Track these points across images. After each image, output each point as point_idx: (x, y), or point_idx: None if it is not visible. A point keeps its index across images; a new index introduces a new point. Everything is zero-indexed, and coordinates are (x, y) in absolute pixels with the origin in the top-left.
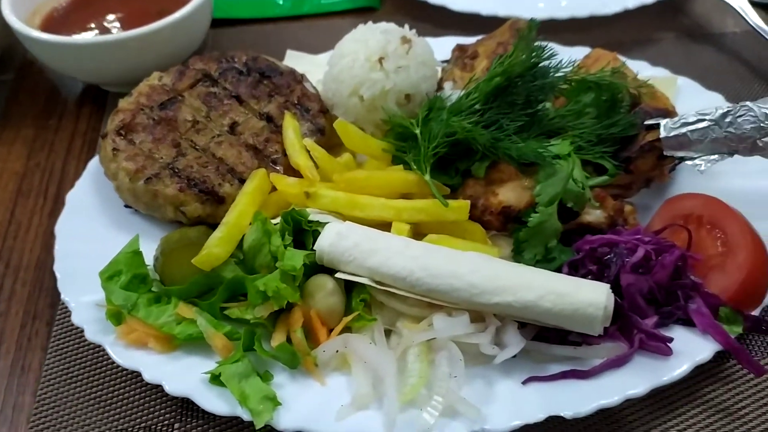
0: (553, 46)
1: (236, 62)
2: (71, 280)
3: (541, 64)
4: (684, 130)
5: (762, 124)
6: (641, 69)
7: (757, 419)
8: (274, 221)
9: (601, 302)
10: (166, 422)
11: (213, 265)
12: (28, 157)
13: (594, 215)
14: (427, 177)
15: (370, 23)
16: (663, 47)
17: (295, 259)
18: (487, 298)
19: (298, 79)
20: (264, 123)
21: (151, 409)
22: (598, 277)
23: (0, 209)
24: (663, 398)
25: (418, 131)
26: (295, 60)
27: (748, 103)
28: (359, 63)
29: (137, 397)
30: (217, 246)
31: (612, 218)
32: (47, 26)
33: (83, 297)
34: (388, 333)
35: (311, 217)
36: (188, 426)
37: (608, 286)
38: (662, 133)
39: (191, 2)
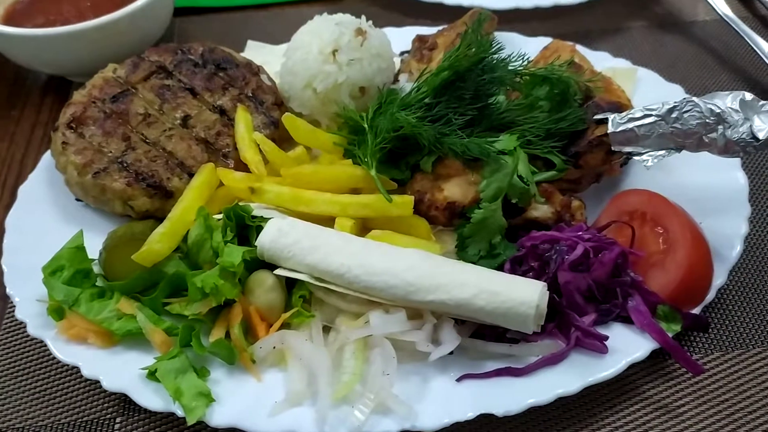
0: (514, 37)
1: (192, 54)
2: (17, 274)
3: (489, 58)
4: (631, 125)
5: (707, 120)
6: (602, 60)
7: (696, 417)
8: (219, 216)
9: (533, 301)
10: (109, 416)
11: (154, 261)
12: None
13: (540, 211)
14: (373, 172)
15: (325, 14)
16: (631, 36)
17: (234, 255)
18: (422, 295)
19: (255, 71)
20: (217, 116)
21: (94, 404)
22: (539, 273)
23: None
24: (602, 395)
25: (366, 125)
26: (255, 50)
27: (693, 98)
28: (312, 55)
29: (80, 391)
30: (158, 242)
31: (559, 214)
32: (9, 18)
33: (28, 291)
34: (328, 329)
35: (255, 213)
36: (130, 420)
37: (543, 284)
38: (610, 128)
39: None
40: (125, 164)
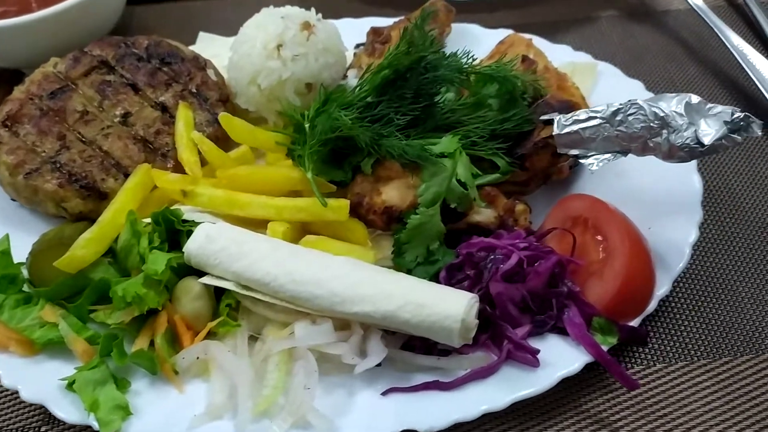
0: (473, 29)
1: (137, 48)
2: None
3: (432, 56)
4: (576, 127)
5: (651, 124)
6: (563, 54)
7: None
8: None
9: (458, 315)
10: (34, 425)
11: (78, 268)
12: None
13: (483, 215)
14: (309, 174)
15: (272, 7)
16: (600, 26)
17: (158, 262)
18: (347, 306)
19: (201, 65)
20: (158, 113)
21: (19, 412)
22: (475, 282)
23: None
24: (537, 407)
25: (306, 124)
26: (206, 43)
27: (638, 101)
28: (256, 50)
29: (5, 399)
30: (82, 248)
31: (502, 218)
32: None
33: None
34: (256, 339)
35: (186, 217)
36: (55, 430)
37: (471, 296)
38: (555, 130)
39: None
40: (58, 164)
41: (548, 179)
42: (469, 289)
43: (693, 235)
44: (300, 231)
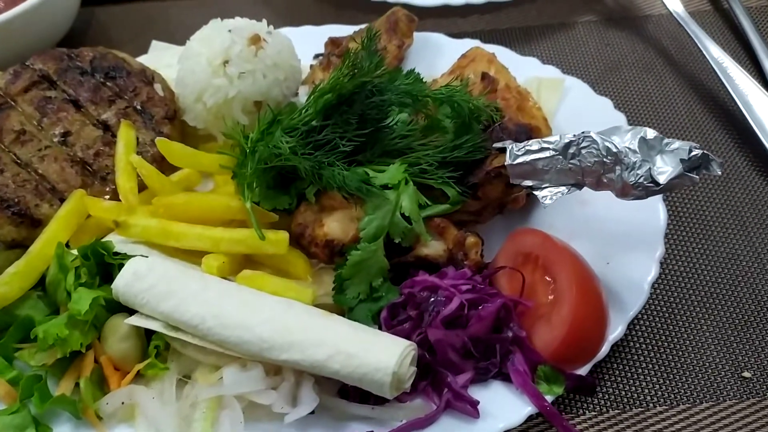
0: (439, 38)
1: (80, 61)
2: None
3: (377, 80)
4: (528, 158)
5: (605, 159)
6: (529, 68)
7: None
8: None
9: (388, 368)
10: None
11: (2, 305)
12: None
13: (431, 248)
14: (248, 204)
15: (219, 20)
16: (575, 33)
17: (83, 302)
18: (276, 353)
19: (148, 79)
20: (100, 132)
21: None
22: (416, 323)
23: None
24: None
25: (248, 149)
26: (159, 52)
27: (591, 134)
28: (201, 67)
29: None
30: (6, 284)
31: (451, 252)
32: None
33: None
34: (186, 380)
35: (119, 248)
36: None
37: (405, 346)
38: (507, 160)
39: None
40: None
41: (503, 209)
42: (410, 331)
43: (652, 273)
44: (241, 261)
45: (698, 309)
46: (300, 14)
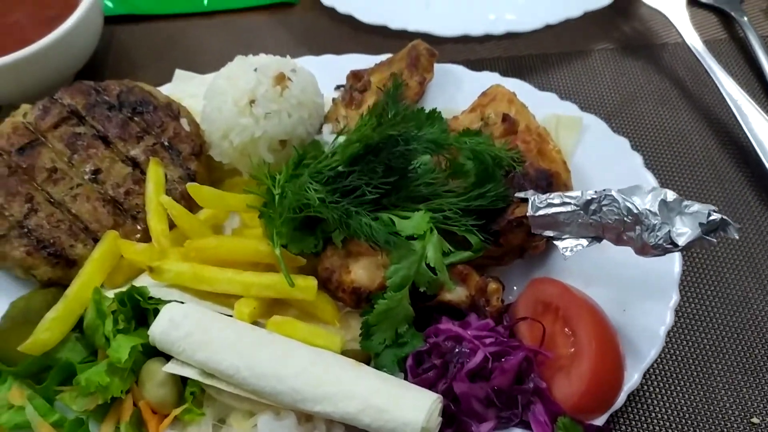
0: (459, 71)
1: (108, 95)
2: None
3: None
4: (550, 210)
5: (626, 219)
6: (547, 104)
7: None
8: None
9: (417, 423)
10: None
11: (43, 350)
12: None
13: (455, 294)
14: (277, 251)
15: (251, 57)
16: (592, 61)
17: (122, 350)
18: (309, 405)
19: (174, 114)
20: (129, 170)
21: None
22: (441, 372)
23: None
24: None
25: (276, 193)
26: (183, 82)
27: (613, 192)
28: (228, 106)
29: None
30: (46, 330)
31: (473, 298)
32: None
33: None
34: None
35: (153, 293)
36: None
37: (433, 399)
38: (529, 211)
39: (72, 18)
40: (26, 229)
41: (523, 253)
42: (435, 380)
43: (668, 322)
44: (270, 301)
45: (709, 353)
46: (318, 36)
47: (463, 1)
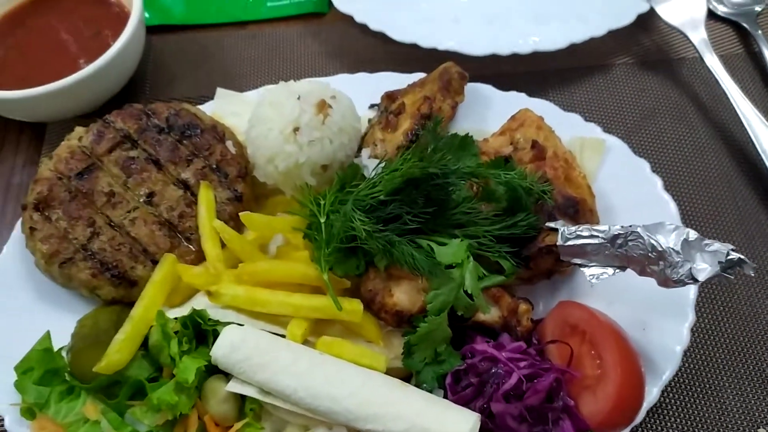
0: (488, 90)
1: (157, 118)
2: None
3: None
4: (579, 242)
5: (650, 254)
6: (573, 125)
7: None
8: (180, 310)
9: None
10: None
11: (116, 369)
12: None
13: (489, 315)
14: (325, 276)
15: (291, 82)
16: (614, 76)
17: (189, 371)
18: (360, 423)
19: (220, 136)
20: (181, 192)
21: None
22: (478, 389)
23: None
24: None
25: (322, 221)
26: (224, 100)
27: (638, 229)
28: (273, 134)
29: None
30: (117, 351)
31: (506, 319)
32: None
33: (7, 381)
34: None
35: (212, 315)
36: None
37: (474, 419)
38: (558, 241)
39: (121, 38)
40: (90, 253)
41: (551, 275)
42: (472, 397)
43: (685, 341)
44: (317, 321)
45: (720, 366)
46: (349, 45)
47: (490, 18)
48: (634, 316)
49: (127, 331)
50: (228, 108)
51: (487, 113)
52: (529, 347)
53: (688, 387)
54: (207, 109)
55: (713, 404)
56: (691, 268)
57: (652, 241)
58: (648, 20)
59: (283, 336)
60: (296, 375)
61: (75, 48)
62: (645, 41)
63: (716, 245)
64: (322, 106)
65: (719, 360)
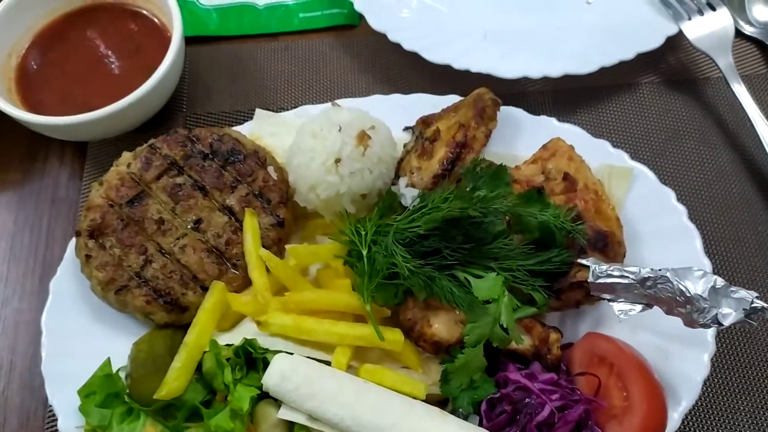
0: (519, 114)
1: (202, 144)
2: (58, 383)
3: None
4: (609, 280)
5: (678, 298)
6: (601, 152)
7: None
8: (230, 336)
9: None
10: None
11: (174, 396)
12: (17, 206)
13: (521, 344)
14: (368, 308)
15: (330, 111)
16: (640, 95)
17: (243, 401)
18: None
19: (261, 161)
20: (226, 219)
21: None
22: (511, 416)
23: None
24: None
25: (364, 252)
26: (263, 121)
27: (668, 273)
28: (316, 164)
29: None
30: (175, 380)
31: (537, 348)
32: (24, 66)
33: (68, 402)
34: None
35: (262, 343)
36: None
37: None
38: (590, 278)
39: (166, 60)
40: (144, 280)
41: (579, 305)
42: (506, 423)
43: (705, 371)
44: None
45: (735, 391)
46: (381, 59)
47: (519, 39)
48: (657, 344)
49: (182, 358)
50: (266, 129)
51: (518, 138)
52: (558, 372)
53: (705, 413)
54: (246, 129)
55: (727, 429)
56: (717, 314)
57: (681, 287)
58: (675, 38)
59: (327, 362)
60: (343, 404)
61: (116, 64)
62: (671, 59)
63: (742, 292)
64: (362, 138)
65: (734, 385)
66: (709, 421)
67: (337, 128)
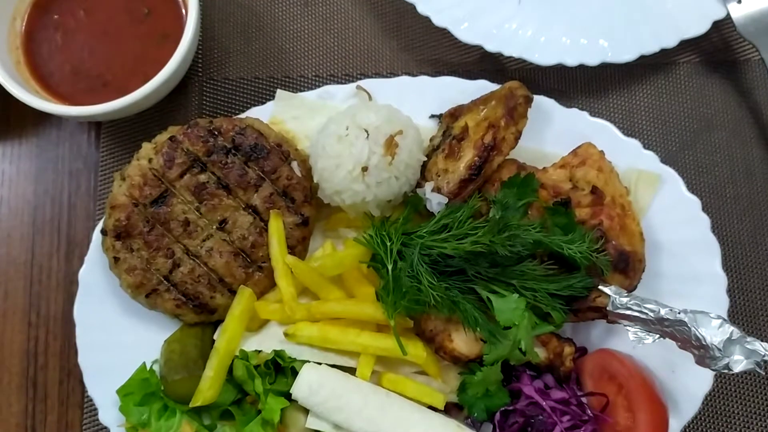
0: (552, 106)
1: (223, 138)
2: (95, 376)
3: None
4: (628, 312)
5: (693, 342)
6: (631, 153)
7: None
8: (258, 338)
9: None
10: None
11: (209, 402)
12: (36, 177)
13: (537, 360)
14: (392, 323)
15: (356, 114)
16: (678, 75)
17: (275, 411)
18: None
19: (285, 157)
20: (251, 219)
21: None
22: (523, 427)
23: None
24: None
25: (389, 266)
26: (285, 102)
27: (686, 318)
28: (342, 173)
29: None
30: (209, 389)
31: (551, 361)
32: (30, 32)
33: (108, 394)
34: None
35: (289, 351)
36: None
37: None
38: (609, 307)
39: (185, 39)
40: (173, 284)
41: (594, 319)
42: None
43: (708, 387)
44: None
45: (729, 398)
46: (405, 21)
47: (554, 24)
48: (665, 357)
49: (213, 367)
50: (288, 113)
51: (546, 131)
52: (569, 381)
53: (703, 417)
54: (267, 111)
55: None
56: (728, 363)
57: (698, 334)
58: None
59: (351, 368)
60: (367, 418)
61: (128, 32)
62: (714, 37)
63: (756, 345)
64: (390, 145)
65: (731, 392)
66: (704, 427)
67: (365, 134)
